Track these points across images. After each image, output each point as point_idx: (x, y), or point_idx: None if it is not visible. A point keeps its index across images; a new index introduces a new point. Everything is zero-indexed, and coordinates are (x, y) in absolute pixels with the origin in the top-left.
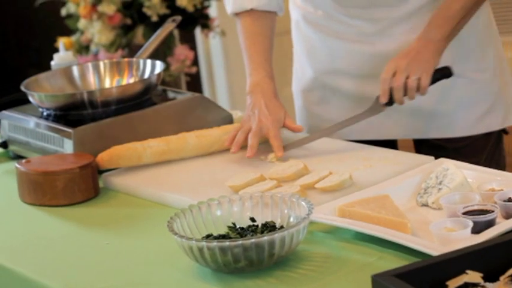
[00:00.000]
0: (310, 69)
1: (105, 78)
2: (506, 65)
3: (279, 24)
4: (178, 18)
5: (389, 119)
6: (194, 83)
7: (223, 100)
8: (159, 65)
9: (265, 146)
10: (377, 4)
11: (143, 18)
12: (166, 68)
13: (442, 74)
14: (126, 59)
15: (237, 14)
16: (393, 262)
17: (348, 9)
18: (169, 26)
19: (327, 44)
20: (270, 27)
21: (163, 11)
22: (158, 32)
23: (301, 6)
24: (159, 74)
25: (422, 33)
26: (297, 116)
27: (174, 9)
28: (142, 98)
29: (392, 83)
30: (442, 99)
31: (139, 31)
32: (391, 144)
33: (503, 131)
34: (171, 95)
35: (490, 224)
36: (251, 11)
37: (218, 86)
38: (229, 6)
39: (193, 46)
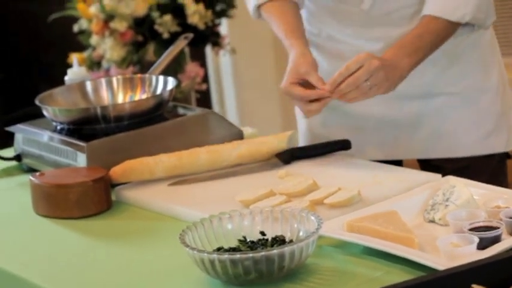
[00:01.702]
0: None
1: (118, 93)
2: (508, 87)
3: None
4: (190, 35)
5: (390, 138)
6: (204, 100)
7: (232, 117)
8: (172, 82)
9: (275, 161)
10: (377, 23)
11: (155, 35)
12: (177, 85)
13: (342, 146)
14: (139, 75)
15: (260, 7)
16: (400, 276)
17: (348, 28)
18: (181, 43)
19: (331, 66)
20: (296, 10)
21: (175, 28)
22: (170, 48)
23: (306, 28)
24: (171, 90)
25: (392, 54)
26: (300, 138)
27: (186, 27)
28: (155, 113)
29: (352, 76)
30: (444, 119)
31: (151, 48)
32: (395, 164)
33: (507, 155)
34: (181, 111)
35: (496, 240)
36: (274, 0)
37: (227, 103)
38: (253, 1)
39: (203, 63)
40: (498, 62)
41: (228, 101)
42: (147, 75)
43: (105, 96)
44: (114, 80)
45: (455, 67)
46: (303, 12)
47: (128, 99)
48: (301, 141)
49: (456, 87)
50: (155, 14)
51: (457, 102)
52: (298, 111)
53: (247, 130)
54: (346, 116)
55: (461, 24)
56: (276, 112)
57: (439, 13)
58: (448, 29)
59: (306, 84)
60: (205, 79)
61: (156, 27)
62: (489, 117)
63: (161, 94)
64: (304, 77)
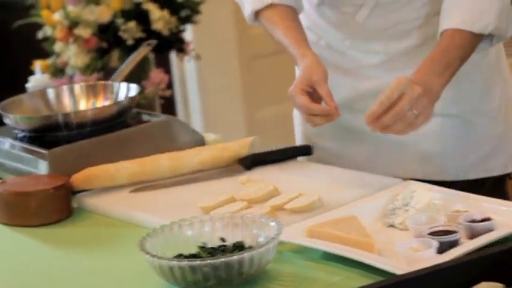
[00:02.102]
0: None
1: (80, 100)
2: None
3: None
4: (154, 42)
5: (380, 157)
6: (168, 106)
7: (197, 123)
8: (134, 88)
9: (236, 167)
10: (374, 37)
11: (119, 42)
12: (141, 91)
13: (303, 151)
14: (101, 82)
15: (257, 14)
16: (359, 281)
17: (347, 39)
18: (144, 50)
19: (329, 76)
20: (297, 17)
21: (139, 34)
22: (133, 55)
23: (306, 31)
24: (133, 97)
25: (421, 76)
26: (297, 142)
27: (150, 33)
28: (117, 120)
29: (396, 106)
30: (437, 140)
31: (115, 54)
32: None
33: (508, 176)
34: (145, 117)
35: (454, 244)
36: (272, 6)
37: (192, 109)
38: (249, 7)
39: (168, 69)
40: (503, 80)
41: (192, 107)
42: (109, 82)
43: (67, 103)
44: (77, 87)
45: (455, 89)
46: (302, 19)
47: (90, 106)
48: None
49: (454, 110)
50: (119, 21)
51: (453, 124)
52: (296, 115)
53: (209, 136)
54: (341, 128)
55: (484, 36)
56: (240, 118)
57: (461, 25)
58: (472, 42)
59: (314, 94)
60: (170, 85)
61: (121, 33)
62: (486, 141)
63: (123, 101)
64: (314, 85)
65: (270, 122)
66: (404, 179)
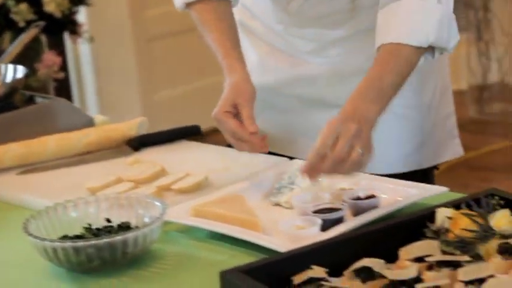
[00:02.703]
0: None
1: None
2: (450, 96)
3: None
4: (42, 23)
5: (304, 140)
6: (63, 89)
7: (92, 106)
8: (21, 70)
9: (124, 148)
10: (308, 25)
11: (10, 24)
12: (33, 73)
13: (192, 131)
14: None
15: (188, 5)
16: (244, 260)
17: (281, 25)
18: (33, 31)
19: (261, 59)
20: (231, 15)
21: (31, 16)
22: (21, 37)
23: (240, 10)
24: (20, 79)
25: (354, 109)
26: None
27: (42, 15)
28: (4, 102)
29: (334, 152)
30: None
31: (7, 37)
32: None
33: (435, 167)
34: (37, 100)
35: (339, 221)
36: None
37: (87, 92)
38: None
39: (62, 52)
40: (439, 74)
41: (87, 89)
42: None
43: None
44: None
45: None
46: None
47: None
48: None
49: None
50: (11, 3)
51: (385, 119)
52: None
53: (98, 118)
54: (274, 109)
55: (424, 50)
56: (137, 101)
57: (399, 39)
58: (411, 57)
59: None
60: (64, 68)
61: (12, 15)
62: (417, 134)
63: (9, 83)
64: (238, 107)
65: (168, 104)
66: None
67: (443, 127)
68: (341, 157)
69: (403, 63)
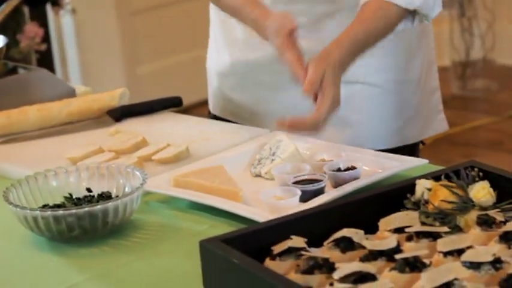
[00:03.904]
0: (227, 55)
1: None
2: (435, 71)
3: None
4: None
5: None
6: (45, 61)
7: (75, 77)
8: (2, 40)
9: (106, 119)
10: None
11: None
12: (16, 44)
13: (173, 103)
14: None
15: None
16: (224, 230)
17: (270, 1)
18: (14, 2)
19: (247, 35)
20: None
21: None
22: (2, 7)
23: None
24: (0, 49)
25: (333, 53)
26: (210, 97)
27: None
28: None
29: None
30: (357, 108)
31: None
32: None
33: (421, 142)
34: (18, 70)
35: (319, 192)
36: None
37: (70, 64)
38: None
39: (44, 23)
40: (426, 47)
41: (70, 61)
42: None
43: None
44: None
45: (378, 59)
46: None
47: None
48: (212, 101)
49: (376, 79)
50: None
51: (373, 93)
52: (210, 68)
53: (80, 88)
54: (259, 85)
55: (407, 13)
56: (119, 72)
57: None
58: (394, 17)
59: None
60: (47, 39)
61: None
62: (405, 109)
63: None
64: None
65: (151, 78)
66: None
67: (429, 102)
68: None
69: (385, 22)
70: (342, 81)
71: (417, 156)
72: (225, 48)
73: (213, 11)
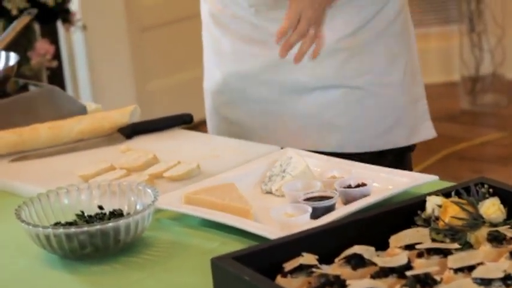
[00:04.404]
0: (218, 71)
1: None
2: (420, 80)
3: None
4: (34, 11)
5: (284, 128)
6: (56, 77)
7: (85, 94)
8: (14, 57)
9: (117, 136)
10: (282, 5)
11: (3, 12)
12: (27, 62)
13: (183, 120)
14: None
15: None
16: (235, 247)
17: (255, 8)
18: (25, 19)
19: (234, 48)
20: None
21: (24, 4)
22: (14, 24)
23: (211, 1)
24: (12, 66)
25: None
26: (207, 117)
27: (34, 3)
28: None
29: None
30: (341, 111)
31: (0, 25)
32: None
33: (408, 149)
34: (30, 87)
35: (329, 209)
36: None
37: (80, 80)
38: None
39: (55, 40)
40: (409, 51)
41: (81, 78)
42: None
43: None
44: None
45: (357, 60)
46: None
47: None
48: (208, 120)
49: (358, 81)
50: None
51: (357, 96)
52: (205, 87)
53: (91, 106)
54: (251, 99)
55: None
56: (130, 88)
57: None
58: None
59: None
60: (58, 56)
61: (5, 3)
62: (390, 112)
63: (2, 71)
64: None
65: (161, 94)
66: (308, 151)
67: (415, 109)
68: (303, 32)
69: None
70: (324, 87)
71: (409, 162)
72: (216, 64)
73: (205, 29)
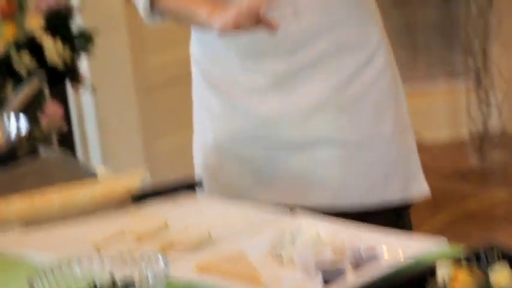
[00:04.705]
0: (210, 131)
1: None
2: (411, 136)
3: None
4: (42, 75)
5: (277, 186)
6: (66, 139)
7: (95, 156)
8: (24, 121)
9: (128, 201)
10: (267, 54)
11: (12, 73)
12: (37, 123)
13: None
14: None
15: (153, 5)
16: None
17: (243, 61)
18: (34, 83)
19: (225, 106)
20: None
21: (33, 65)
22: (23, 88)
23: (200, 60)
24: (23, 137)
25: None
26: (196, 174)
27: (43, 64)
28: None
29: None
30: (332, 166)
31: (9, 86)
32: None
33: (405, 208)
34: (40, 151)
35: (340, 276)
36: None
37: (90, 142)
38: (142, 4)
39: (64, 102)
40: (397, 104)
41: (91, 139)
42: None
43: None
44: None
45: (346, 115)
46: (195, 45)
47: None
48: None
49: (347, 135)
50: (13, 52)
51: (348, 150)
52: (196, 145)
53: (100, 169)
54: (242, 160)
55: None
56: (139, 151)
57: None
58: None
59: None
60: (68, 118)
61: (14, 65)
62: (383, 166)
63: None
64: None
65: (168, 152)
66: (301, 207)
67: (407, 164)
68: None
69: None
70: (316, 143)
71: (408, 221)
72: (207, 124)
73: (195, 88)
